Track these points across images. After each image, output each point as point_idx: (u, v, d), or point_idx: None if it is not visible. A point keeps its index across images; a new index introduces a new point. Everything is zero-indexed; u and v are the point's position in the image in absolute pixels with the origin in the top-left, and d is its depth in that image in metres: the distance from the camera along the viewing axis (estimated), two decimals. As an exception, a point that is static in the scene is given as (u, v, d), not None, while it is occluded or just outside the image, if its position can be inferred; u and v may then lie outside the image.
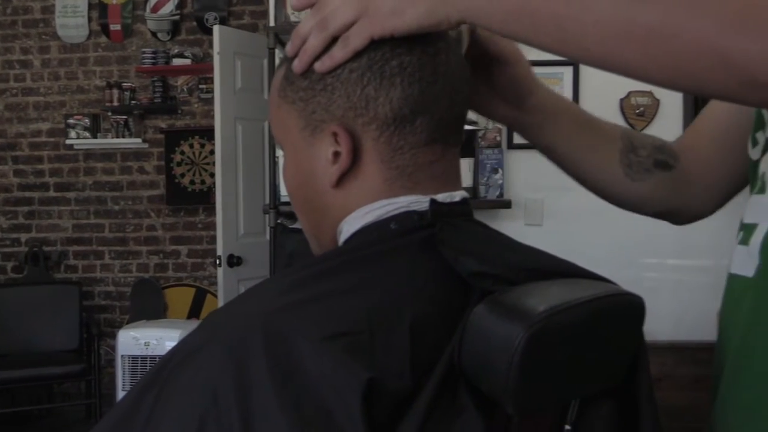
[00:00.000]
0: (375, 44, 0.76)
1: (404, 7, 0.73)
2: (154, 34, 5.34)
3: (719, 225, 2.97)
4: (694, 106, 3.15)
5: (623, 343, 0.80)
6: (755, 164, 0.83)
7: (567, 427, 0.80)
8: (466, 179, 2.95)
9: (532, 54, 0.87)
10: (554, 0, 0.66)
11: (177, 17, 5.30)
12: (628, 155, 0.97)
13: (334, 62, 0.77)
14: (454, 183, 0.84)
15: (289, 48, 0.81)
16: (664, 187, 0.98)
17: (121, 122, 5.31)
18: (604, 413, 0.82)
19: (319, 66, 0.78)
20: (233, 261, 4.01)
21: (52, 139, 5.47)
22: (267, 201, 3.38)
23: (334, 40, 0.77)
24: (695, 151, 0.99)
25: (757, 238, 0.76)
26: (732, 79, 0.59)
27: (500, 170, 3.05)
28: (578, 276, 0.80)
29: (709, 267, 3.10)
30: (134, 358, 3.69)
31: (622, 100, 3.22)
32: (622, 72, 0.66)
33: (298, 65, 0.79)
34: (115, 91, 5.29)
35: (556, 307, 0.68)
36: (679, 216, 1.03)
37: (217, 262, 3.99)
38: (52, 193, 5.50)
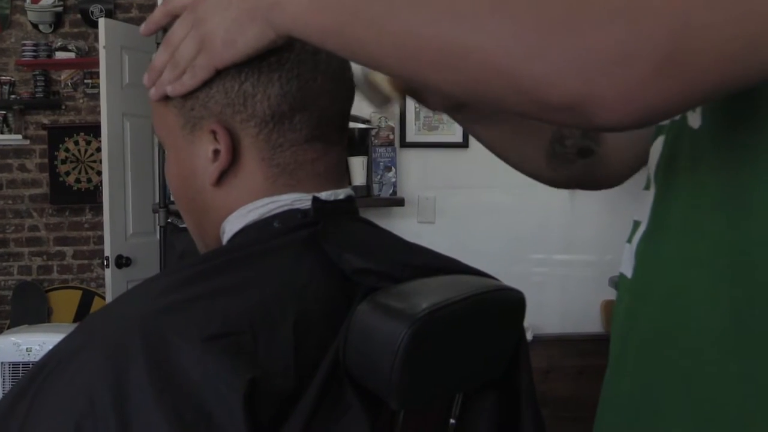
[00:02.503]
0: None
1: (234, 38, 0.73)
2: (35, 26, 5.10)
3: (603, 221, 3.12)
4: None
5: (504, 337, 0.83)
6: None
7: (452, 421, 0.82)
8: (360, 177, 2.96)
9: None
10: (359, 21, 0.62)
11: (60, 9, 5.08)
12: (553, 145, 0.98)
13: (185, 88, 0.78)
14: (339, 181, 0.84)
15: (146, 80, 0.81)
16: (584, 171, 0.99)
17: (0, 118, 5.06)
18: (488, 406, 0.84)
19: (170, 90, 0.78)
20: (122, 262, 3.89)
21: (-77, 135, 5.15)
22: (156, 200, 3.30)
23: None
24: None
25: (636, 237, 0.75)
26: (527, 103, 0.54)
27: (393, 168, 3.08)
28: (461, 272, 0.82)
29: (594, 262, 3.23)
30: (15, 364, 3.51)
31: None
32: (438, 91, 0.65)
33: (154, 94, 0.80)
34: (-7, 85, 5.03)
35: (437, 303, 0.70)
36: (596, 187, 1.04)
37: (105, 263, 3.86)
38: (-77, 193, 5.19)
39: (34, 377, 0.69)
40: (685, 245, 0.65)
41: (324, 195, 0.80)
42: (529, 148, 0.99)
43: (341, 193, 0.82)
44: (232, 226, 0.80)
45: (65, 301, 5.13)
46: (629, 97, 0.50)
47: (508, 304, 0.81)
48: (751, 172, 0.59)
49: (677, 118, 0.68)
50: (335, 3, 0.64)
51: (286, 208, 0.79)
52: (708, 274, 0.62)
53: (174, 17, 0.78)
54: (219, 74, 0.77)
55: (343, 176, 0.85)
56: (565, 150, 0.98)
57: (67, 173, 5.14)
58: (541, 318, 3.10)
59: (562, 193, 3.28)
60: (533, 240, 3.23)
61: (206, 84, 0.77)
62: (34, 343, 3.50)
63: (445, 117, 3.19)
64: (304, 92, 0.78)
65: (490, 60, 0.54)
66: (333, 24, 0.64)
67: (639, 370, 0.70)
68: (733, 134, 0.61)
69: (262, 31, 0.71)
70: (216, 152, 0.78)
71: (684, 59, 0.49)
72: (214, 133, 0.78)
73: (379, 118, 3.07)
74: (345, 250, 0.76)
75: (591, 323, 3.24)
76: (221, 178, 0.79)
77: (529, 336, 3.03)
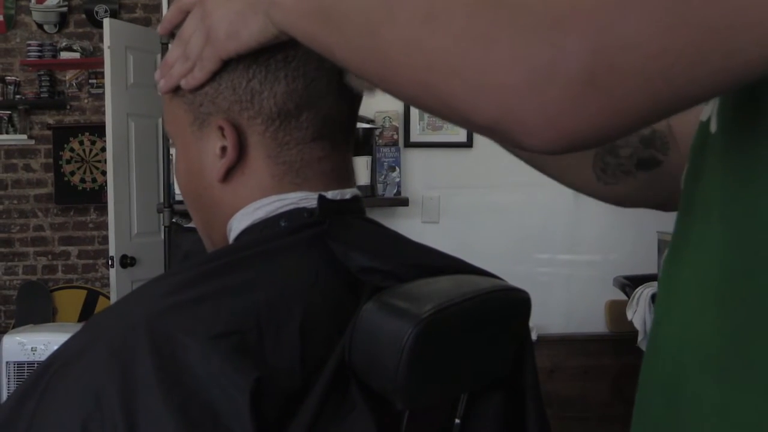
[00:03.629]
0: None
1: (237, 30, 0.74)
2: (40, 26, 5.11)
3: (608, 221, 3.12)
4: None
5: (509, 337, 0.83)
6: None
7: (457, 421, 0.82)
8: (364, 177, 2.96)
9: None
10: (327, 28, 0.61)
11: (65, 9, 5.09)
12: (604, 158, 0.86)
13: (196, 82, 0.79)
14: (346, 180, 0.84)
15: (158, 74, 0.83)
16: (645, 185, 0.86)
17: (5, 117, 5.06)
18: (493, 406, 0.84)
19: (184, 84, 0.80)
20: (126, 261, 3.90)
21: (-72, 135, 5.16)
22: (161, 199, 3.30)
23: None
24: (682, 138, 0.85)
25: (663, 256, 0.67)
26: (457, 119, 0.52)
27: (397, 168, 3.08)
28: (466, 272, 0.82)
29: (598, 262, 3.23)
30: (20, 364, 3.52)
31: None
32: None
33: (164, 85, 0.82)
34: (-2, 85, 5.04)
35: (443, 303, 0.70)
36: (662, 207, 0.89)
37: (110, 262, 3.87)
38: (-71, 192, 5.20)
39: (40, 377, 0.69)
40: (699, 267, 0.57)
41: (330, 194, 0.80)
42: (571, 158, 0.86)
43: (348, 193, 0.82)
44: (239, 223, 0.81)
45: (70, 300, 5.14)
46: (549, 122, 0.46)
47: (514, 304, 0.81)
48: (759, 186, 0.51)
49: (704, 119, 0.61)
50: (313, 8, 0.63)
51: (292, 206, 0.79)
52: (714, 300, 0.54)
53: (187, 13, 0.80)
54: (227, 70, 0.78)
55: (349, 176, 0.85)
56: (620, 161, 0.85)
57: (72, 173, 5.15)
58: (546, 318, 3.10)
59: (567, 193, 3.27)
60: (538, 240, 3.23)
61: (215, 80, 0.78)
62: (39, 342, 3.52)
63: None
64: (310, 91, 0.78)
65: (417, 75, 0.51)
66: (310, 28, 0.64)
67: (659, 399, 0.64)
68: (742, 140, 0.54)
69: (264, 25, 0.71)
70: (223, 149, 0.79)
71: (608, 79, 0.44)
72: (221, 129, 0.79)
73: (384, 117, 3.07)
74: (351, 249, 0.76)
75: (595, 323, 3.24)
76: (229, 175, 0.80)
77: (533, 336, 3.02)
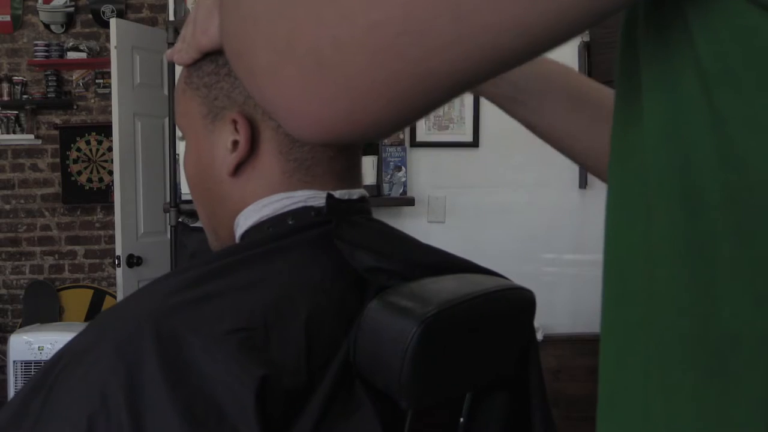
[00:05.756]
0: None
1: (206, 26, 0.77)
2: (47, 26, 5.13)
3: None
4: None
5: (514, 336, 0.83)
6: None
7: (461, 419, 0.81)
8: (370, 177, 2.96)
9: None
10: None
11: (71, 9, 5.10)
12: None
13: (182, 62, 0.83)
14: (354, 180, 0.84)
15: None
16: None
17: (12, 117, 5.08)
18: (497, 405, 0.84)
19: (176, 59, 0.84)
20: (133, 261, 3.91)
21: (-64, 135, 5.18)
22: (167, 199, 3.30)
23: None
24: None
25: None
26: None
27: (403, 168, 3.08)
28: (471, 272, 0.82)
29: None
30: (27, 363, 3.54)
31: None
32: None
33: (167, 55, 0.87)
34: (5, 85, 5.05)
35: (447, 302, 0.70)
36: None
37: (116, 262, 3.88)
38: (-64, 192, 5.22)
39: (47, 374, 0.69)
40: None
41: (338, 194, 0.80)
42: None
43: (355, 193, 0.83)
44: (246, 220, 0.81)
45: (77, 300, 5.15)
46: (293, 108, 0.42)
47: (519, 303, 0.81)
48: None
49: None
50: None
51: (300, 205, 0.79)
52: None
53: None
54: None
55: (357, 176, 0.85)
56: None
57: (79, 173, 5.16)
58: (552, 318, 3.09)
59: (573, 193, 3.27)
60: (543, 239, 3.22)
61: (231, 74, 0.80)
62: (46, 341, 3.53)
63: (455, 116, 3.19)
64: None
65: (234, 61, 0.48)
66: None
67: None
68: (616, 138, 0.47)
69: None
70: (235, 143, 0.79)
71: (335, 56, 0.39)
72: (234, 123, 0.79)
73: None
74: (357, 249, 0.76)
75: (601, 323, 3.23)
76: (239, 169, 0.80)
77: (539, 336, 3.02)
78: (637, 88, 0.43)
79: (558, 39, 0.39)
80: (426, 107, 0.42)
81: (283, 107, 0.43)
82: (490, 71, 0.40)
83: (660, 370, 0.41)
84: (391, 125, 0.43)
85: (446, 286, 0.75)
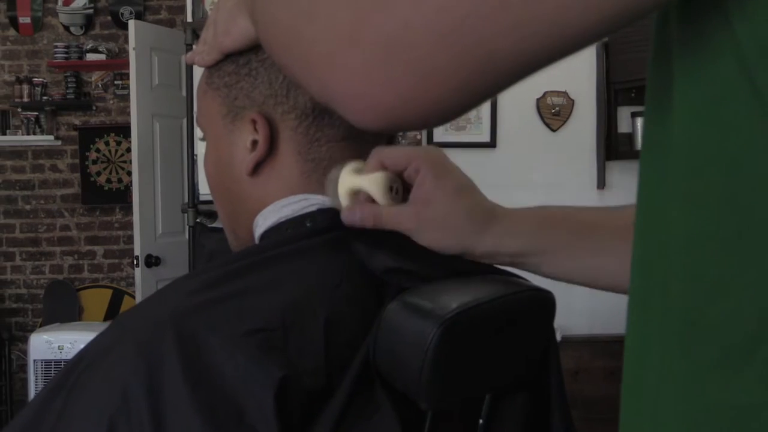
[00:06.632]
0: None
1: (228, 28, 0.77)
2: (66, 28, 5.17)
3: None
4: (607, 105, 3.25)
5: (534, 338, 0.82)
6: None
7: (480, 421, 0.81)
8: (387, 177, 2.96)
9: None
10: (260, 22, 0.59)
11: (91, 11, 5.14)
12: None
13: (204, 63, 0.84)
14: None
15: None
16: None
17: (32, 119, 5.12)
18: (517, 406, 0.83)
19: (197, 61, 0.84)
20: (151, 261, 3.93)
21: (-43, 136, 5.24)
22: (186, 199, 3.32)
23: None
24: None
25: None
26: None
27: (421, 168, 3.08)
28: (491, 273, 0.82)
29: (622, 262, 3.19)
30: (47, 362, 3.57)
31: (538, 99, 3.29)
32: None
33: (188, 58, 0.87)
34: (26, 87, 5.10)
35: (467, 303, 0.69)
36: None
37: (135, 262, 3.90)
38: (-42, 193, 5.28)
39: (68, 374, 0.69)
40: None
41: None
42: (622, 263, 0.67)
43: None
44: (265, 220, 0.81)
45: (96, 299, 5.19)
46: (358, 93, 0.43)
47: (538, 304, 0.80)
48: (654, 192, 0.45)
49: None
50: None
51: (318, 206, 0.79)
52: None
53: None
54: (264, 66, 0.80)
55: None
56: None
57: (98, 173, 5.20)
58: (570, 319, 3.08)
59: (591, 193, 3.26)
60: (561, 240, 3.21)
61: (251, 74, 0.80)
62: (66, 341, 3.56)
63: (472, 116, 3.19)
64: None
65: (281, 54, 0.51)
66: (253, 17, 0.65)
67: None
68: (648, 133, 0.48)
69: (247, 23, 0.74)
70: (254, 143, 0.80)
71: (404, 39, 0.40)
72: (254, 123, 0.79)
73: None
74: (376, 250, 0.76)
75: (620, 324, 3.20)
76: (258, 169, 0.80)
77: (557, 337, 3.01)
78: (668, 79, 0.43)
79: (625, 17, 0.39)
80: (488, 91, 0.43)
81: (345, 93, 0.44)
82: (556, 53, 0.41)
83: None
84: (452, 109, 0.44)
85: (466, 288, 0.74)
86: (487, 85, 0.42)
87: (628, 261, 0.49)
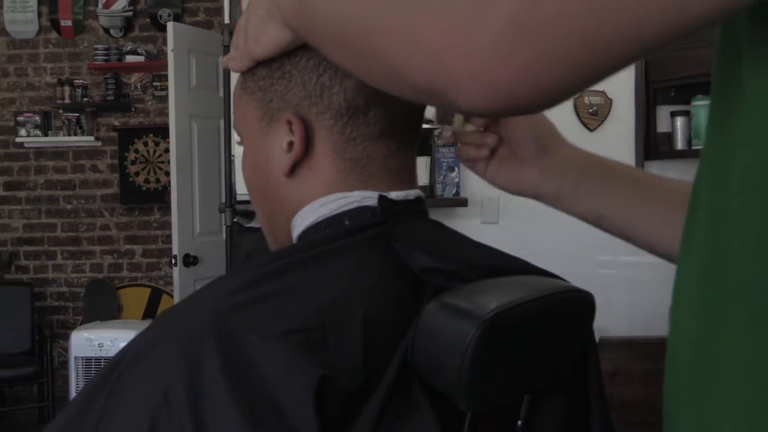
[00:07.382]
0: None
1: (258, 35, 0.77)
2: (106, 30, 5.25)
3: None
4: (646, 104, 3.21)
5: (573, 339, 0.82)
6: None
7: (519, 422, 0.81)
8: (423, 177, 2.96)
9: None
10: (301, 11, 0.64)
11: (130, 13, 5.22)
12: None
13: (237, 69, 0.84)
14: (409, 180, 0.84)
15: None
16: None
17: (73, 120, 5.22)
18: (556, 408, 0.83)
19: (231, 66, 0.84)
20: (189, 260, 3.97)
21: (1, 137, 5.35)
22: (223, 200, 3.35)
23: None
24: None
25: None
26: (404, 87, 0.51)
27: (456, 169, 3.07)
28: (530, 273, 0.81)
29: (660, 263, 3.14)
30: (88, 359, 3.63)
31: (575, 99, 3.26)
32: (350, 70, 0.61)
33: (224, 62, 0.87)
34: (67, 88, 5.19)
35: (506, 304, 0.69)
36: None
37: (173, 261, 3.95)
38: (1, 192, 5.38)
39: (110, 372, 0.70)
40: (690, 260, 0.54)
41: (395, 195, 0.80)
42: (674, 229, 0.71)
43: (412, 194, 0.83)
44: (302, 220, 0.81)
45: (135, 298, 5.26)
46: (479, 75, 0.43)
47: (578, 305, 0.80)
48: (726, 166, 0.47)
49: None
50: (297, 3, 0.65)
51: (355, 205, 0.80)
52: (696, 285, 0.52)
53: None
54: (297, 68, 0.80)
55: (413, 177, 0.85)
56: None
57: (137, 174, 5.27)
58: (608, 320, 3.05)
59: (629, 193, 3.22)
60: (598, 241, 3.14)
61: (285, 77, 0.80)
62: (106, 338, 3.61)
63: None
64: None
65: (363, 40, 0.51)
66: (294, 20, 0.66)
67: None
68: (715, 124, 0.49)
69: (278, 30, 0.74)
70: (290, 144, 0.80)
71: (536, 22, 0.41)
72: (289, 124, 0.80)
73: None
74: (414, 249, 0.76)
75: (659, 326, 3.16)
76: (295, 170, 0.81)
77: (595, 338, 2.98)
78: (737, 80, 0.43)
79: (738, 4, 0.40)
80: (601, 74, 0.44)
81: (462, 75, 0.44)
82: (672, 38, 0.42)
83: None
84: (567, 90, 0.45)
85: (504, 288, 0.74)
86: (603, 67, 0.43)
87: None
